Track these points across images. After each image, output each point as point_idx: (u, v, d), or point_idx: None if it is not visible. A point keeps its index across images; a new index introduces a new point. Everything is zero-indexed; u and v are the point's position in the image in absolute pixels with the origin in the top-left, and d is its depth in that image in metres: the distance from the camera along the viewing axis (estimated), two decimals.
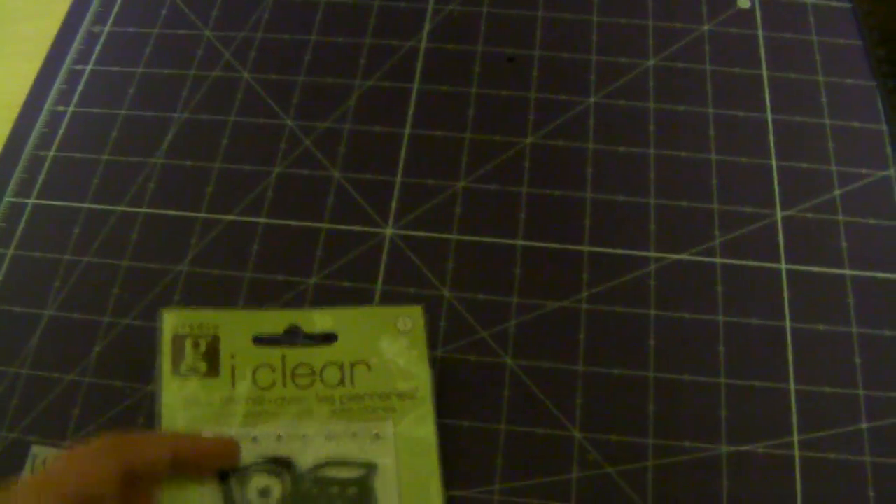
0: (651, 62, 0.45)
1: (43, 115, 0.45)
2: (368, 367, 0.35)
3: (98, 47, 0.47)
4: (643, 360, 0.37)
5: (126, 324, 0.38)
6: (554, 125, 0.43)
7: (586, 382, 0.36)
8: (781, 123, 0.43)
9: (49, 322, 0.38)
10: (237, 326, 0.36)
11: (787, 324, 0.37)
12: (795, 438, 0.35)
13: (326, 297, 0.38)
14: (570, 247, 0.40)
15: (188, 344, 0.35)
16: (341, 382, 0.35)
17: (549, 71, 0.45)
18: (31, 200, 0.42)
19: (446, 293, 0.39)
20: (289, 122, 0.44)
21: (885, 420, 0.35)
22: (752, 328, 0.37)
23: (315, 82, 0.45)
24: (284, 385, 0.35)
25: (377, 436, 0.34)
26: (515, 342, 0.37)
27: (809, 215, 0.40)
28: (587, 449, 0.35)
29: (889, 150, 0.42)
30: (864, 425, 0.35)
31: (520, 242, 0.40)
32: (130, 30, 0.48)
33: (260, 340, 0.35)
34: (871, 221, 0.40)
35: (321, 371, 0.35)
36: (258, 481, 0.32)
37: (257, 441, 0.33)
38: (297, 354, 0.35)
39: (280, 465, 0.33)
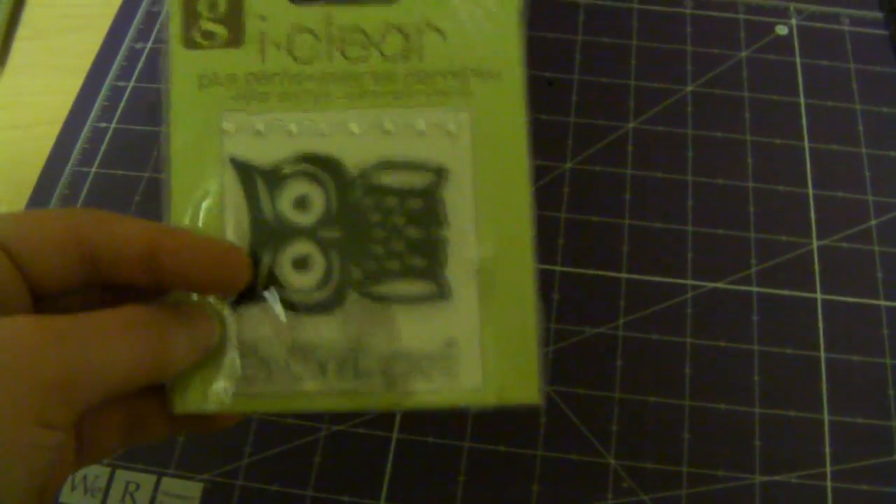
0: (689, 88, 0.46)
1: (85, 132, 0.45)
2: (441, 33, 0.26)
3: (140, 64, 0.47)
4: (679, 387, 0.37)
5: None
6: (592, 150, 0.44)
7: (622, 409, 0.37)
8: (818, 152, 0.43)
9: None
10: None
11: (822, 354, 0.38)
12: (828, 469, 0.35)
13: None
14: (608, 273, 0.40)
15: (202, 1, 0.26)
16: (405, 55, 0.26)
17: (588, 95, 0.45)
18: None
19: None
20: None
21: None
22: (786, 358, 0.38)
23: None
24: (330, 58, 0.26)
25: (449, 131, 0.26)
26: (552, 368, 0.38)
27: (845, 245, 0.41)
28: (622, 476, 0.35)
29: None
30: None
31: (558, 268, 0.40)
32: None
33: None
34: None
35: (380, 39, 0.26)
36: (294, 188, 0.25)
37: (293, 135, 0.25)
38: (347, 14, 0.26)
39: (323, 166, 0.25)
